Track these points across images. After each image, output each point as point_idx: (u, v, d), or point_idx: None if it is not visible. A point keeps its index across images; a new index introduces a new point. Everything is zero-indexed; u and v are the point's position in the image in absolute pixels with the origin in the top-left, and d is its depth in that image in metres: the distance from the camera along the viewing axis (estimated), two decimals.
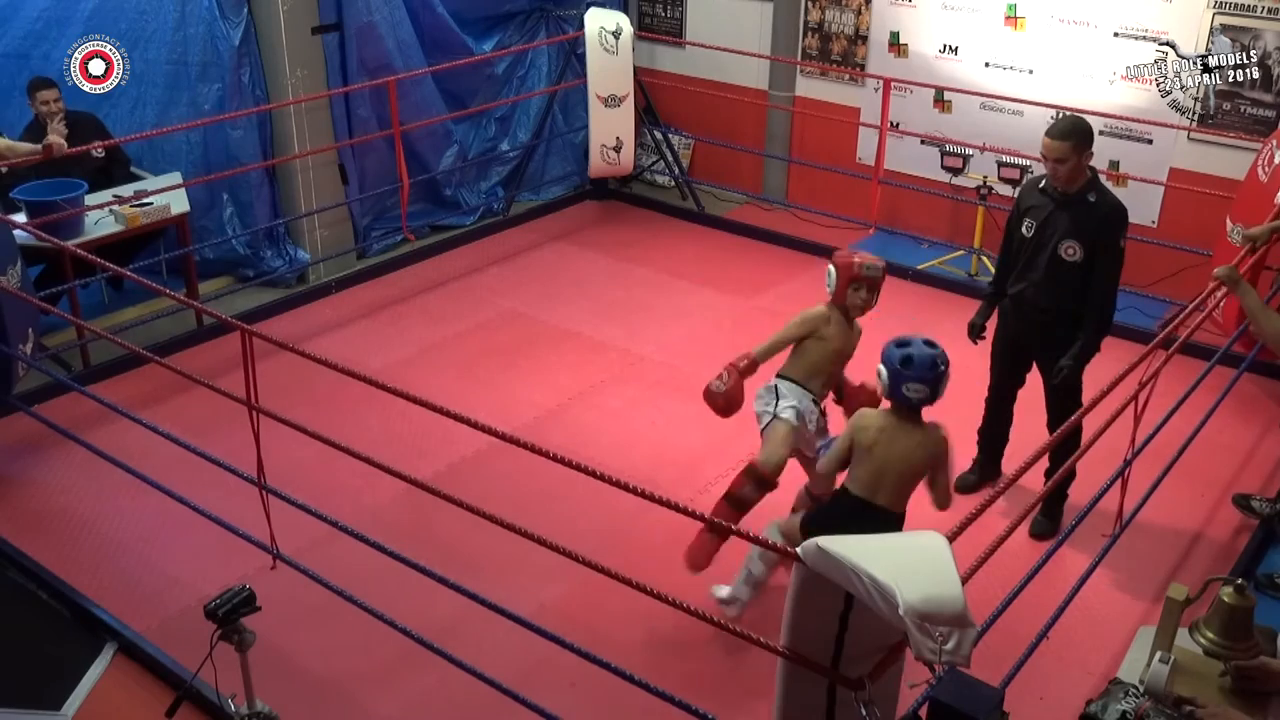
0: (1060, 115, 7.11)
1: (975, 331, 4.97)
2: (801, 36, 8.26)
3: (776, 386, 4.26)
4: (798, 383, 4.23)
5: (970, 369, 4.79)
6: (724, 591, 4.22)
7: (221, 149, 6.96)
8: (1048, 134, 4.49)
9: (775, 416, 4.17)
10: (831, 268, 4.20)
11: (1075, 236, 4.50)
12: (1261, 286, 5.77)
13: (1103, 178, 7.02)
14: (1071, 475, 4.74)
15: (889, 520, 3.74)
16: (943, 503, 3.82)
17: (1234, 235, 4.28)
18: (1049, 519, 4.90)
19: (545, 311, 6.95)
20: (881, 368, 3.70)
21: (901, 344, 3.70)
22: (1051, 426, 4.70)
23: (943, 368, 3.67)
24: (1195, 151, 6.84)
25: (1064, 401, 4.67)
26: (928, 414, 3.76)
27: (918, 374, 3.64)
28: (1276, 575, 4.49)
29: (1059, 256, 4.54)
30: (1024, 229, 4.68)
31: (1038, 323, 4.71)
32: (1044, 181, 4.65)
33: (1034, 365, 4.88)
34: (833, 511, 3.88)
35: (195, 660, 3.08)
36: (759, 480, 4.09)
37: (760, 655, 2.89)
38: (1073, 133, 4.43)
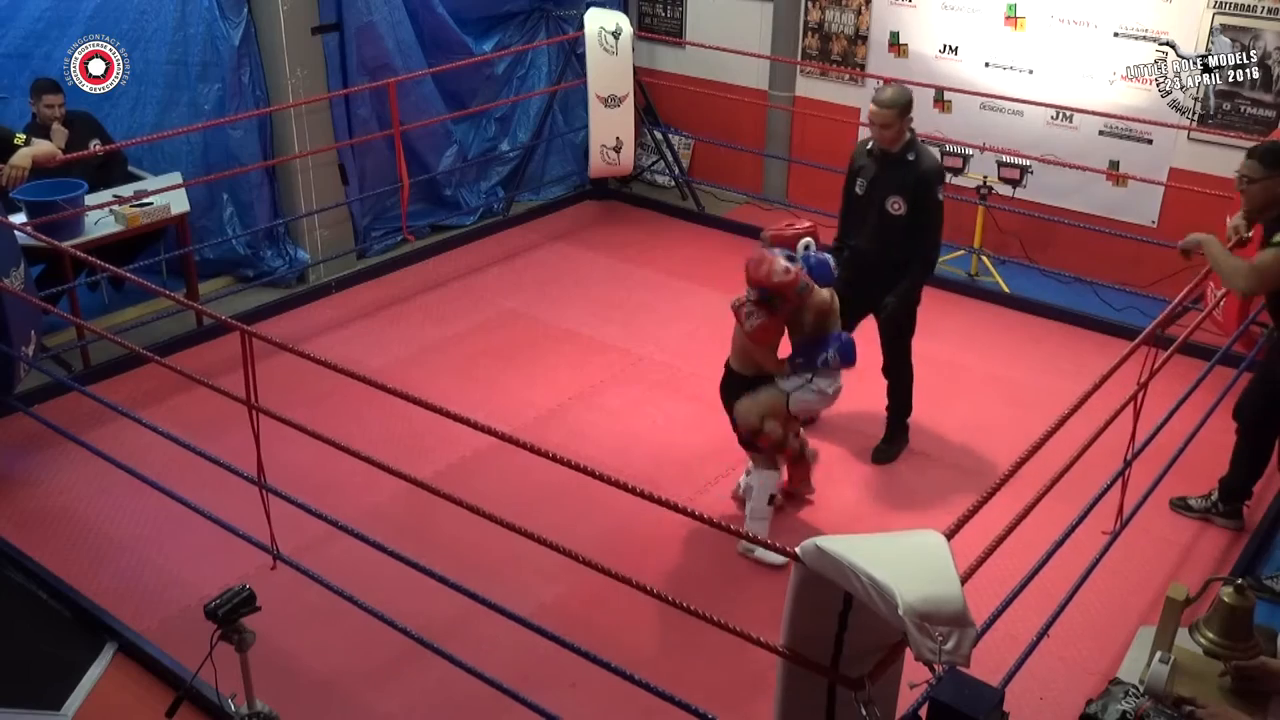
0: (1060, 115, 7.20)
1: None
2: (801, 36, 8.26)
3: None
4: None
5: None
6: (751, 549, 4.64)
7: (221, 149, 6.95)
8: (875, 102, 4.90)
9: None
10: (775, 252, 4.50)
11: (898, 192, 4.97)
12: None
13: (1101, 178, 7.16)
14: (909, 407, 5.43)
15: None
16: None
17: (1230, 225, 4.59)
18: (889, 444, 5.45)
19: (545, 311, 6.95)
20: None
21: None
22: (885, 360, 5.33)
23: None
24: (1195, 151, 6.84)
25: (893, 339, 5.28)
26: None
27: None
28: (1266, 577, 4.50)
29: (886, 211, 5.01)
30: (857, 188, 5.16)
31: (871, 271, 5.13)
32: (871, 144, 5.08)
33: (868, 311, 5.28)
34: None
35: (195, 660, 3.09)
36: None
37: (760, 655, 2.89)
38: (896, 102, 4.86)
